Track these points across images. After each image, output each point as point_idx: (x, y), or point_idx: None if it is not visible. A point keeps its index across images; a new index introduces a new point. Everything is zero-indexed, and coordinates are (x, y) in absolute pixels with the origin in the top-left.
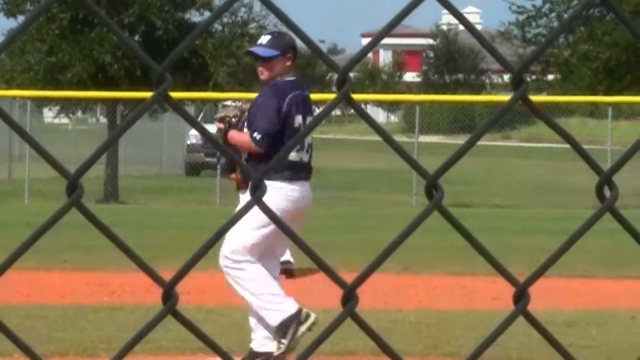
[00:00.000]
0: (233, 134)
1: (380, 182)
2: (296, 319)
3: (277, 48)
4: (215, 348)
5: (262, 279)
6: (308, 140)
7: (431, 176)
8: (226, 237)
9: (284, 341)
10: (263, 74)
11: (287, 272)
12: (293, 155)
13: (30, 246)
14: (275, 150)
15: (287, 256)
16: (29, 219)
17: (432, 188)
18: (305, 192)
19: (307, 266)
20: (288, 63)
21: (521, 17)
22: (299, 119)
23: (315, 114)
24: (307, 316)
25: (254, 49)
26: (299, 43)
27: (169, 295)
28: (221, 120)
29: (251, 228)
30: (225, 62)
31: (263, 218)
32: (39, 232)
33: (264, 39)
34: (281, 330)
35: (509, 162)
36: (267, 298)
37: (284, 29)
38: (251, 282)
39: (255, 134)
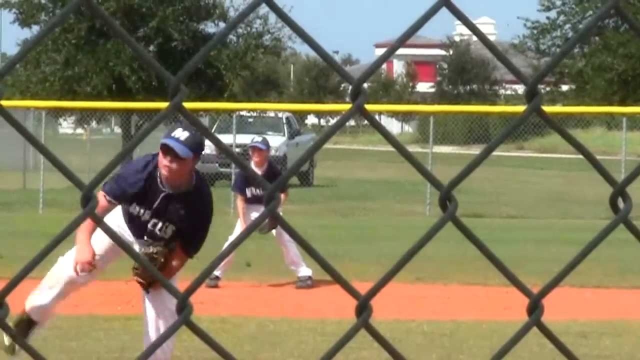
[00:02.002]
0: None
1: (394, 192)
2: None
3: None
4: (228, 358)
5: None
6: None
7: (445, 188)
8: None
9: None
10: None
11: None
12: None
13: (45, 256)
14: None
15: (305, 271)
16: (43, 229)
17: (446, 200)
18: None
19: (321, 277)
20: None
21: (535, 31)
22: None
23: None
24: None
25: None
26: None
27: (184, 306)
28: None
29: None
30: (240, 74)
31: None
32: (55, 242)
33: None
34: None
35: (523, 172)
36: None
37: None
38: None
39: None
